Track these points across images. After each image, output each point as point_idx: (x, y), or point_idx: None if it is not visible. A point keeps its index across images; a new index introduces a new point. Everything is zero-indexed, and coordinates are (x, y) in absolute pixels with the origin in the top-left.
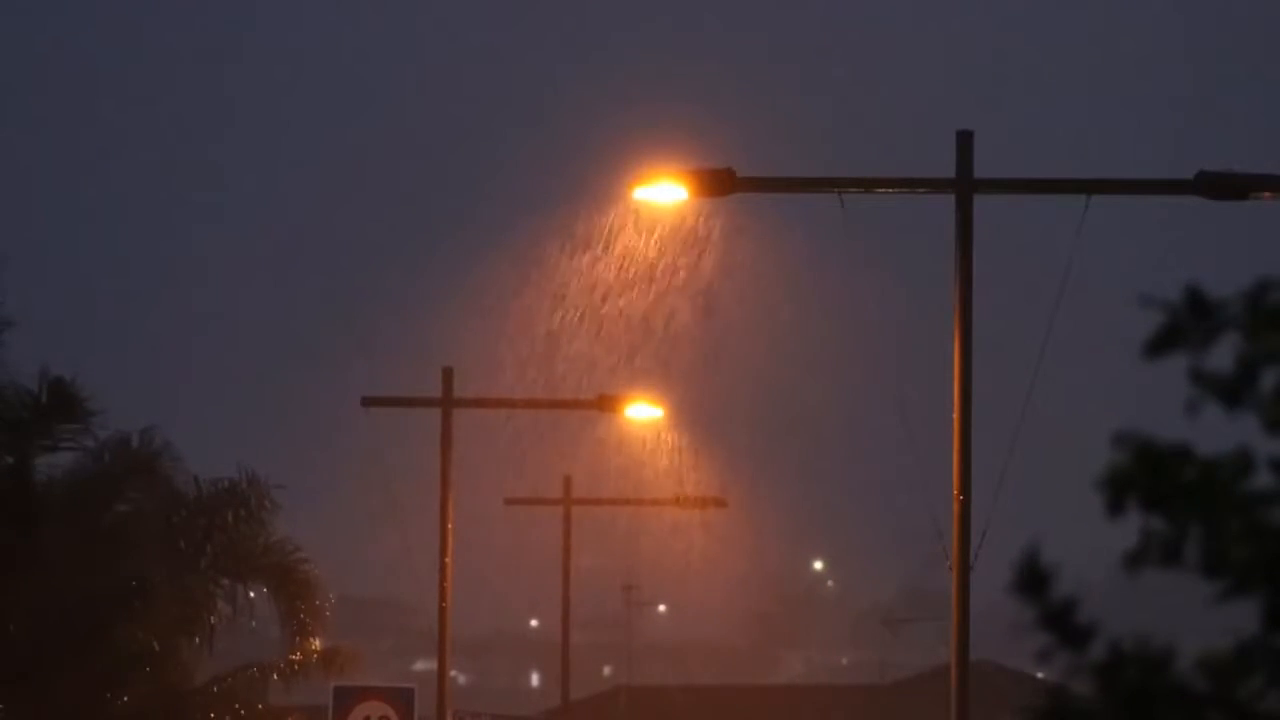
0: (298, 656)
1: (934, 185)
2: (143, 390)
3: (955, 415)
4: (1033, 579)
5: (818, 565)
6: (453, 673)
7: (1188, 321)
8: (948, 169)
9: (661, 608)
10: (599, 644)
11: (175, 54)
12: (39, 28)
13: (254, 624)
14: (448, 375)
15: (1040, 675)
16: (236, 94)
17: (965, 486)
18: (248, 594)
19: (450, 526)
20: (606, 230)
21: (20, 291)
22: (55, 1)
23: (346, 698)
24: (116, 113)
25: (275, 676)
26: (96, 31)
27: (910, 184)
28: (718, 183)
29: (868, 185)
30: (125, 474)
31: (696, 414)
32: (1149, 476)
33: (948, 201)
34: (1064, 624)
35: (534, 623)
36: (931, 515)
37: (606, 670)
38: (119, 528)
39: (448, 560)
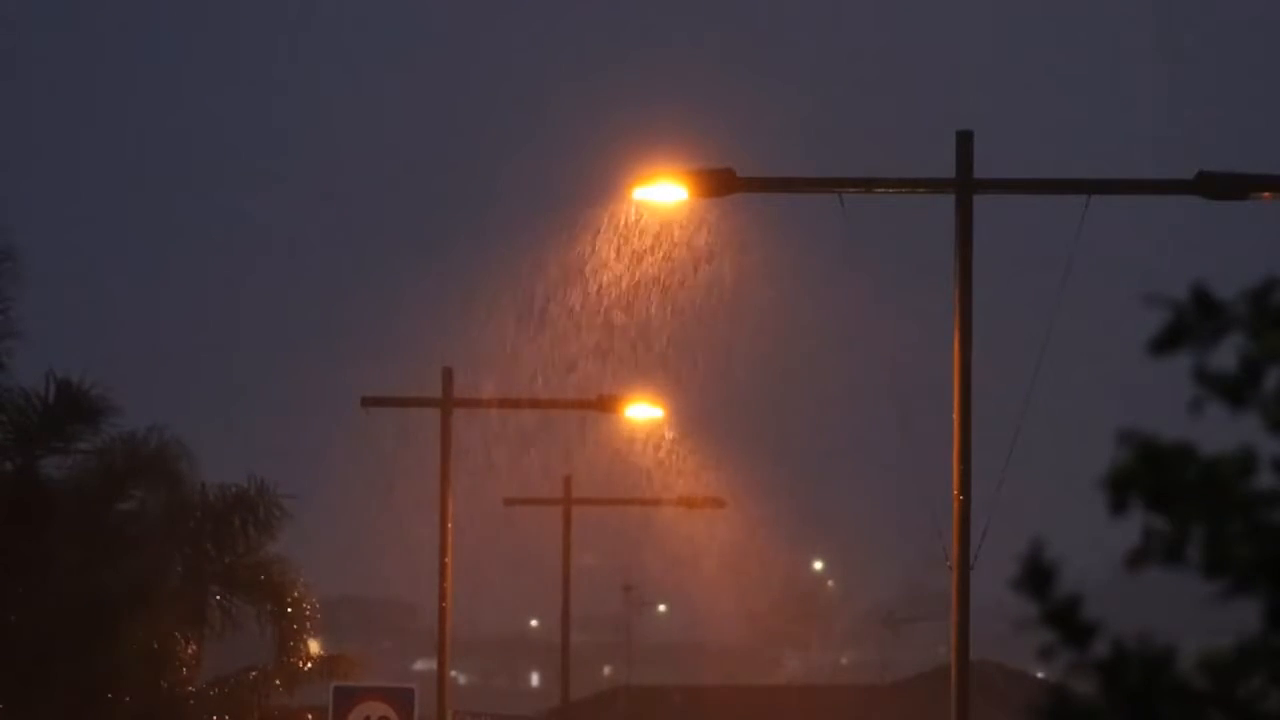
0: (304, 666)
1: (934, 185)
2: (143, 390)
3: (955, 415)
4: (1036, 576)
5: (818, 565)
6: (453, 673)
7: (1194, 320)
8: (948, 169)
9: (661, 608)
10: (599, 644)
11: (179, 59)
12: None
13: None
14: (448, 375)
15: (1041, 675)
16: (239, 97)
17: (965, 486)
18: (233, 607)
19: (450, 526)
20: (606, 231)
21: (21, 292)
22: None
23: (347, 698)
24: (118, 107)
25: (278, 683)
26: (100, 38)
27: (910, 184)
28: (718, 183)
29: (868, 185)
30: (132, 472)
31: (697, 414)
32: (1152, 475)
33: (948, 201)
34: (1067, 621)
35: (534, 623)
36: (931, 515)
37: (606, 670)
38: (122, 527)
39: (448, 560)
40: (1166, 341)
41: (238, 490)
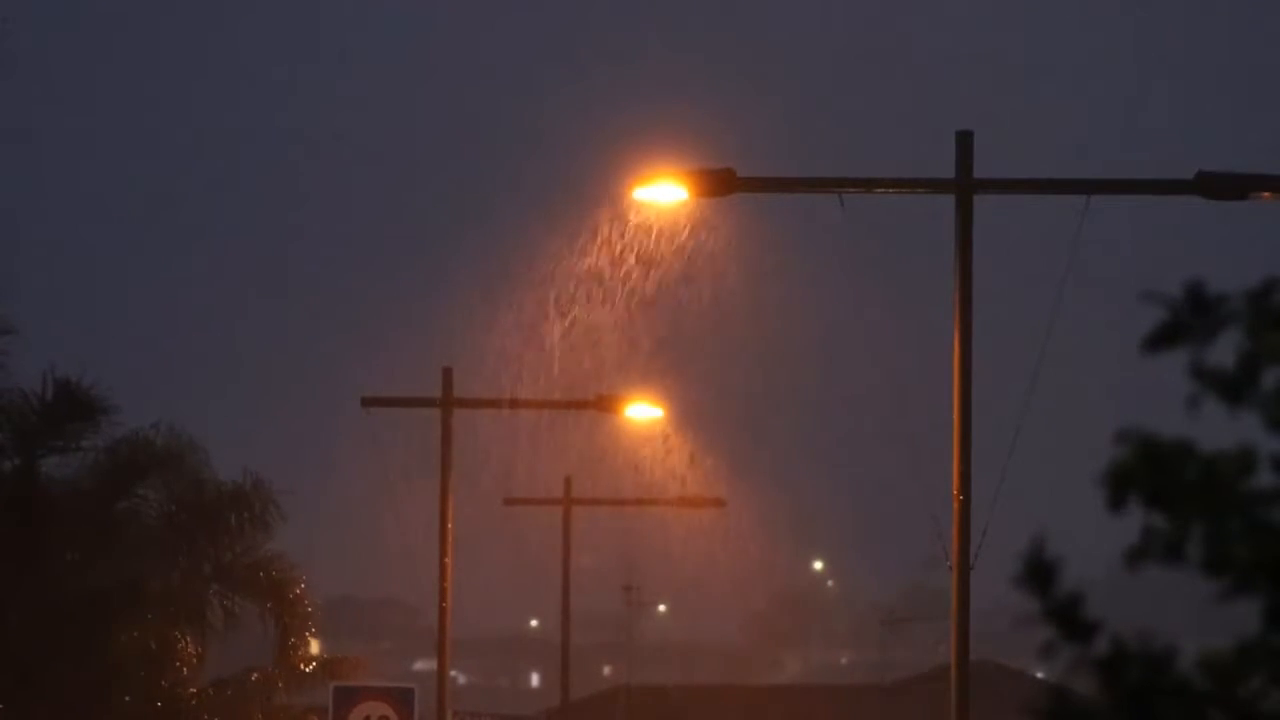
0: (305, 668)
1: (934, 185)
2: (143, 389)
3: (955, 415)
4: (1038, 572)
5: (818, 565)
6: (453, 673)
7: (1189, 317)
8: (948, 169)
9: (662, 608)
10: (599, 644)
11: (181, 59)
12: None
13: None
14: (448, 375)
15: (1041, 675)
16: (239, 98)
17: (965, 486)
18: (234, 605)
19: (450, 526)
20: (606, 230)
21: (21, 292)
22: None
23: (347, 698)
24: (120, 107)
25: (280, 685)
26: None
27: (910, 184)
28: (718, 183)
29: (868, 185)
30: (140, 467)
31: (697, 414)
32: (1151, 473)
33: (948, 201)
34: (1069, 618)
35: (534, 623)
36: (931, 515)
37: (606, 670)
38: (122, 526)
39: (448, 560)
40: (1161, 339)
41: (233, 487)
